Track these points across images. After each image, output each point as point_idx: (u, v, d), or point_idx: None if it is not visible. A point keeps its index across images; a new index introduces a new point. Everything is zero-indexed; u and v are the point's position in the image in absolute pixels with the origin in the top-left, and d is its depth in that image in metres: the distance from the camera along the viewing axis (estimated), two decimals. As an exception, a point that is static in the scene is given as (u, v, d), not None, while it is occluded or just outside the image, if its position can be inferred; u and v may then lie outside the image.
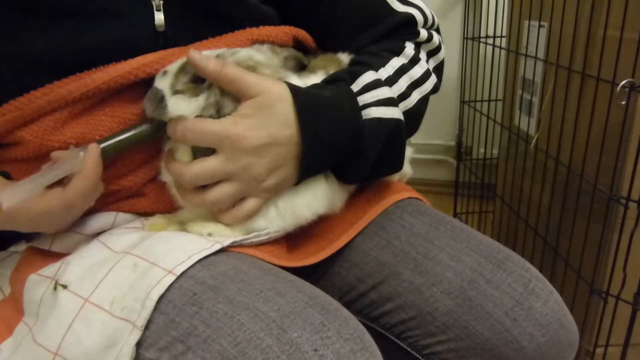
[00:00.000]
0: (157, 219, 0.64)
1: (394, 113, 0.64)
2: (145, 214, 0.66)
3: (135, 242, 0.59)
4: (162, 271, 0.54)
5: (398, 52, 0.70)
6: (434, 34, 0.74)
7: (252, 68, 0.60)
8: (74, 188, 0.55)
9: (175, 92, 0.58)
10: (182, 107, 0.58)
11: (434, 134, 2.10)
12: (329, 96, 0.61)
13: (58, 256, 0.62)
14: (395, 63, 0.69)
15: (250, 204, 0.61)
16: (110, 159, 0.59)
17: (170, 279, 0.53)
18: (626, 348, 1.04)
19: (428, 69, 0.72)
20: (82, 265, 0.58)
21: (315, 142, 0.60)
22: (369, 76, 0.65)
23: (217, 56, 0.60)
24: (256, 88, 0.57)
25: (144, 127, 0.60)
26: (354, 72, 0.65)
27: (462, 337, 0.62)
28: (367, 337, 0.51)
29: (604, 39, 1.00)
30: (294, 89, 0.59)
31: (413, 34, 0.72)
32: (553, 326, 0.61)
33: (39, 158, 0.59)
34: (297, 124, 0.59)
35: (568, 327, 0.62)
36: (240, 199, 0.61)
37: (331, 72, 0.67)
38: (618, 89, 0.95)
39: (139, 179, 0.64)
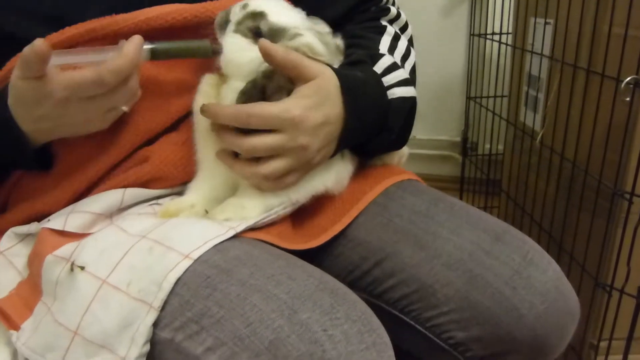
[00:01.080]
0: (168, 205, 0.66)
1: (411, 92, 0.73)
2: (152, 181, 0.67)
3: (150, 226, 0.60)
4: (179, 255, 0.55)
5: (382, 31, 0.78)
6: (400, 11, 0.82)
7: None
8: (108, 63, 0.55)
9: (237, 29, 0.62)
10: (237, 46, 0.63)
11: (439, 129, 2.11)
12: (362, 77, 0.67)
13: (72, 236, 0.63)
14: (385, 42, 0.76)
15: (294, 177, 0.64)
16: (160, 60, 0.63)
17: (187, 263, 0.55)
18: (630, 341, 1.05)
19: (407, 44, 0.80)
20: (97, 248, 0.59)
21: (355, 120, 0.66)
22: (387, 59, 0.72)
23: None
24: (314, 71, 0.62)
25: (203, 43, 0.63)
26: (373, 56, 0.72)
27: (463, 307, 0.63)
28: (375, 319, 0.53)
29: (609, 36, 1.01)
30: (337, 71, 0.65)
31: (384, 10, 0.80)
32: (552, 294, 0.62)
33: None
34: (343, 103, 0.64)
35: (567, 295, 0.64)
36: None
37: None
38: (623, 85, 0.96)
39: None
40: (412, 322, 0.67)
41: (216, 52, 0.63)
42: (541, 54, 1.26)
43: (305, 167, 0.65)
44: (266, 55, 0.60)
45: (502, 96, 1.61)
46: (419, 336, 0.67)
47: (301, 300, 0.51)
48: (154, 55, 0.61)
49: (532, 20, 1.33)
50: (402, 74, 0.72)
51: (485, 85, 1.66)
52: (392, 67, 0.72)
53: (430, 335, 0.66)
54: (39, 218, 0.68)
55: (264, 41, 0.60)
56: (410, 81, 0.73)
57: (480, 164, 1.76)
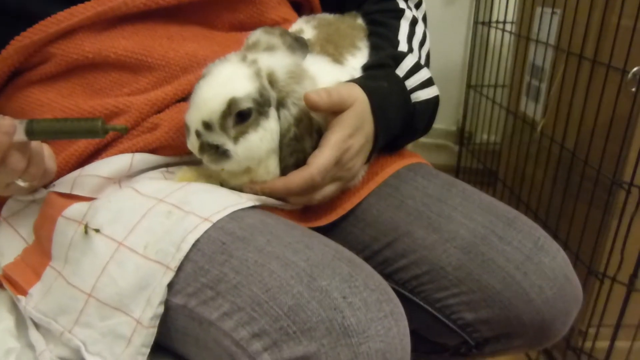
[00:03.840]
0: (186, 172, 0.65)
1: (434, 91, 0.74)
2: (161, 148, 0.67)
3: (166, 189, 0.60)
4: (198, 218, 0.55)
5: (399, 16, 0.79)
6: None
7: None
8: None
9: (235, 137, 0.60)
10: (260, 143, 0.61)
11: (435, 118, 2.11)
12: (387, 88, 0.69)
13: (81, 199, 0.63)
14: (404, 30, 0.77)
15: (332, 188, 0.66)
16: (40, 139, 0.58)
17: (207, 225, 0.54)
18: (618, 328, 1.08)
19: (424, 29, 0.81)
20: (111, 210, 0.59)
21: (385, 131, 0.69)
22: (410, 60, 0.73)
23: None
24: (351, 101, 0.64)
25: (93, 122, 0.56)
26: (396, 57, 0.73)
27: (473, 289, 0.64)
28: (390, 290, 0.53)
29: (617, 27, 1.02)
30: (366, 89, 0.66)
31: None
32: (560, 280, 0.64)
33: (64, 74, 0.67)
34: (374, 120, 0.67)
35: (574, 282, 0.66)
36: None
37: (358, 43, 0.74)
38: (629, 76, 0.97)
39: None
40: (421, 303, 0.68)
41: (106, 131, 0.56)
42: (546, 44, 1.27)
43: (348, 180, 0.69)
44: (314, 107, 0.61)
45: (503, 86, 1.61)
46: (428, 316, 0.68)
47: (320, 268, 0.51)
48: (30, 133, 0.55)
49: (538, 9, 1.33)
50: (424, 74, 0.73)
51: (487, 74, 1.66)
52: (415, 69, 0.73)
53: (439, 315, 0.67)
54: (45, 185, 0.67)
55: (310, 94, 0.60)
56: (432, 80, 0.74)
57: (477, 154, 1.77)
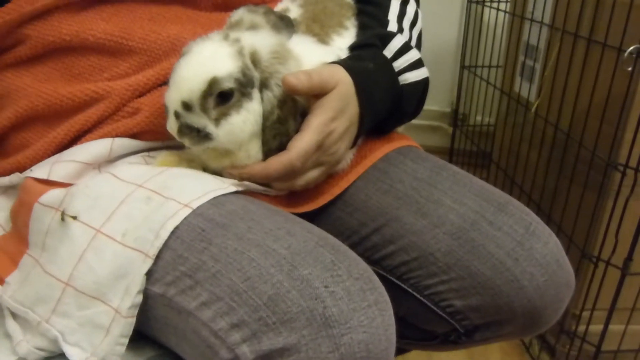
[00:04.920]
0: (167, 156, 0.64)
1: (423, 73, 0.71)
2: (142, 133, 0.65)
3: (146, 174, 0.58)
4: (178, 204, 0.53)
5: None
6: None
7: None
8: None
9: (216, 119, 0.57)
10: (243, 126, 0.58)
11: (429, 99, 2.08)
12: (373, 69, 0.66)
13: (58, 185, 0.61)
14: (394, 9, 0.75)
15: (315, 173, 0.64)
16: None
17: (187, 211, 0.53)
18: (612, 311, 1.07)
19: (416, 8, 0.78)
20: (89, 196, 0.57)
21: (371, 114, 0.67)
22: (398, 40, 0.70)
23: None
24: (334, 82, 0.61)
25: None
26: (384, 36, 0.70)
27: (463, 276, 0.63)
28: (375, 278, 0.51)
29: (613, 5, 1.00)
30: (350, 70, 0.63)
31: None
32: (552, 267, 0.62)
33: (40, 57, 0.65)
34: (358, 102, 0.64)
35: (565, 268, 0.64)
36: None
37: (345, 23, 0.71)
38: (625, 55, 0.95)
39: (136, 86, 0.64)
40: (410, 289, 0.66)
41: None
42: (541, 22, 1.24)
43: (333, 165, 0.67)
44: (293, 90, 0.58)
45: (497, 66, 1.59)
46: (417, 303, 0.66)
47: (301, 256, 0.49)
48: None
49: (533, -13, 1.30)
50: (413, 55, 0.70)
51: (480, 55, 1.64)
52: (404, 49, 0.70)
53: (428, 302, 0.66)
54: (22, 170, 0.66)
55: (288, 77, 0.58)
56: (422, 61, 0.71)
57: (471, 135, 1.75)
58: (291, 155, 0.58)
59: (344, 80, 0.62)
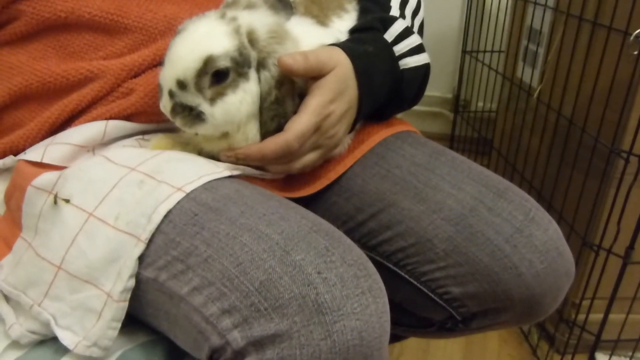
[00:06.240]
0: (161, 139, 0.63)
1: (424, 58, 0.70)
2: (137, 114, 0.64)
3: (139, 157, 0.57)
4: (171, 188, 0.53)
5: None
6: None
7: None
8: None
9: (212, 99, 0.56)
10: (240, 106, 0.57)
11: (430, 85, 2.06)
12: (373, 52, 0.65)
13: (52, 167, 0.60)
14: None
15: (313, 156, 0.63)
16: None
17: (180, 195, 0.52)
18: (612, 300, 1.06)
19: None
20: (81, 179, 0.56)
21: (370, 98, 0.66)
22: (399, 25, 0.69)
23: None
24: (332, 64, 0.60)
25: None
26: (385, 20, 0.69)
27: (461, 263, 0.62)
28: (370, 264, 0.51)
29: (619, -13, 0.97)
30: (350, 52, 0.62)
31: None
32: (551, 254, 0.61)
33: (35, 35, 0.64)
34: (357, 85, 0.63)
35: (565, 256, 0.63)
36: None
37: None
38: (631, 39, 0.93)
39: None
40: (406, 276, 0.66)
41: None
42: (545, 5, 1.22)
43: (331, 149, 0.65)
44: (288, 71, 0.57)
45: (500, 51, 1.56)
46: (414, 290, 0.66)
47: (294, 241, 0.48)
48: None
49: (537, -30, 1.27)
50: (414, 40, 0.69)
51: (483, 39, 1.61)
52: (405, 34, 0.69)
53: (425, 289, 0.65)
54: (17, 154, 0.65)
55: (283, 57, 0.56)
56: (423, 47, 0.70)
57: (472, 121, 1.73)
58: (288, 136, 0.57)
59: (342, 63, 0.61)
